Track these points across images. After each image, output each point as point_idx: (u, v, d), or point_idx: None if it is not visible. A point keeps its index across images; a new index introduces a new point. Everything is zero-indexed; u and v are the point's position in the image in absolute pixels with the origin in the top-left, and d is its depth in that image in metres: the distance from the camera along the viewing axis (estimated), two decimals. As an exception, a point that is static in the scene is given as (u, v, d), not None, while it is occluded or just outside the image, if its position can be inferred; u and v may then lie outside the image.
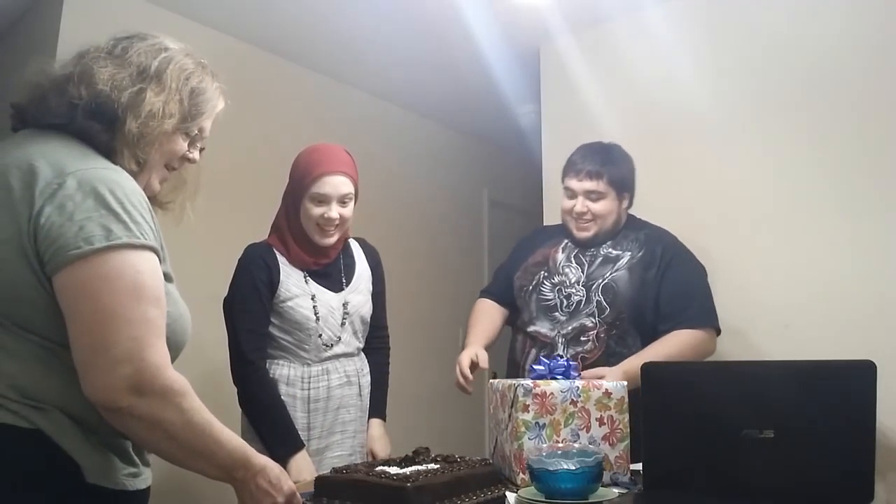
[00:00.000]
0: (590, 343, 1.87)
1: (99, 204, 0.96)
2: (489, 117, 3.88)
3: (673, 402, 1.33)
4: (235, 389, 1.80)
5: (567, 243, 2.02)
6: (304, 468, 1.66)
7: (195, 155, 1.19)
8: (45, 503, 0.95)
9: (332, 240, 1.81)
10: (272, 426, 1.72)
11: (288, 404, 1.76)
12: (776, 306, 2.30)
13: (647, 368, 1.37)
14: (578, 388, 1.44)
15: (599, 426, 1.44)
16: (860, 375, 1.18)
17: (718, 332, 1.92)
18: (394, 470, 1.20)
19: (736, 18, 2.54)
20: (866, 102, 2.23)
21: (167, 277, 1.07)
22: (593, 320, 1.88)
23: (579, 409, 1.43)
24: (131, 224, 0.97)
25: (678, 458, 1.29)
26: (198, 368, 2.73)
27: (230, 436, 1.04)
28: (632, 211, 2.07)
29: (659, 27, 2.68)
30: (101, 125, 1.05)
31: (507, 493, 1.27)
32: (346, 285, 1.87)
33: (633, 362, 1.74)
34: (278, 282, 1.78)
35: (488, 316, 2.09)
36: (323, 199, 1.77)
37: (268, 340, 1.79)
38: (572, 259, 1.98)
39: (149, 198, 1.09)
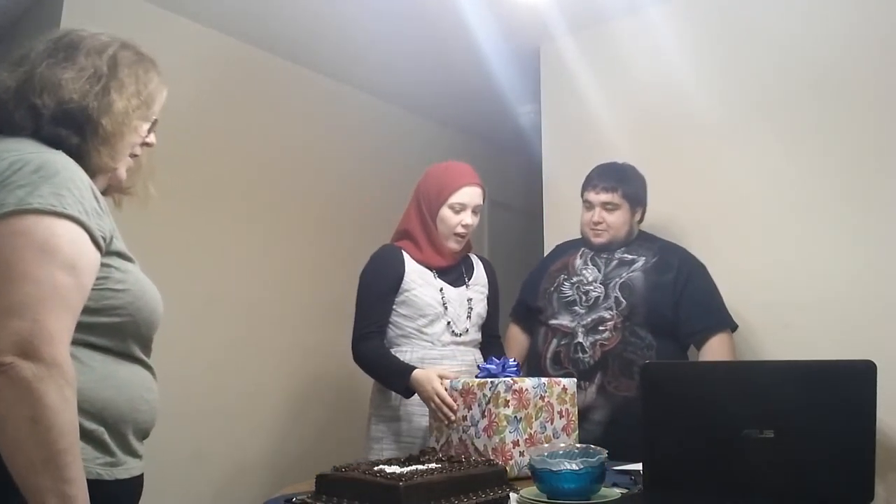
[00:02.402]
0: (607, 332, 2.05)
1: (24, 176, 0.96)
2: (489, 117, 3.88)
3: (673, 402, 1.33)
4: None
5: (583, 251, 2.24)
6: (423, 379, 1.77)
7: (153, 138, 1.23)
8: (12, 498, 0.90)
9: (461, 246, 2.07)
10: (385, 370, 1.92)
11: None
12: (776, 306, 2.30)
13: (647, 368, 1.37)
14: (545, 383, 1.63)
15: (560, 418, 1.64)
16: (860, 375, 1.18)
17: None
18: (392, 469, 1.20)
19: (736, 18, 2.54)
20: (867, 102, 2.23)
21: (125, 257, 1.09)
22: (611, 313, 2.07)
23: (546, 403, 1.62)
24: (53, 196, 0.96)
25: (678, 457, 1.29)
26: (186, 367, 2.74)
27: (82, 467, 0.93)
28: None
29: (659, 27, 2.68)
30: (70, 130, 1.07)
31: (511, 494, 1.27)
32: (468, 281, 2.10)
33: None
34: (403, 275, 1.99)
35: (517, 344, 2.35)
36: (461, 208, 2.01)
37: (385, 320, 1.99)
38: (588, 262, 2.20)
39: (117, 188, 1.15)
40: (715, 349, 2.05)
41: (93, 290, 1.00)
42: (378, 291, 1.98)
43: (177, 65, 2.78)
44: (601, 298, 2.10)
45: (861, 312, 2.15)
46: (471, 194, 2.02)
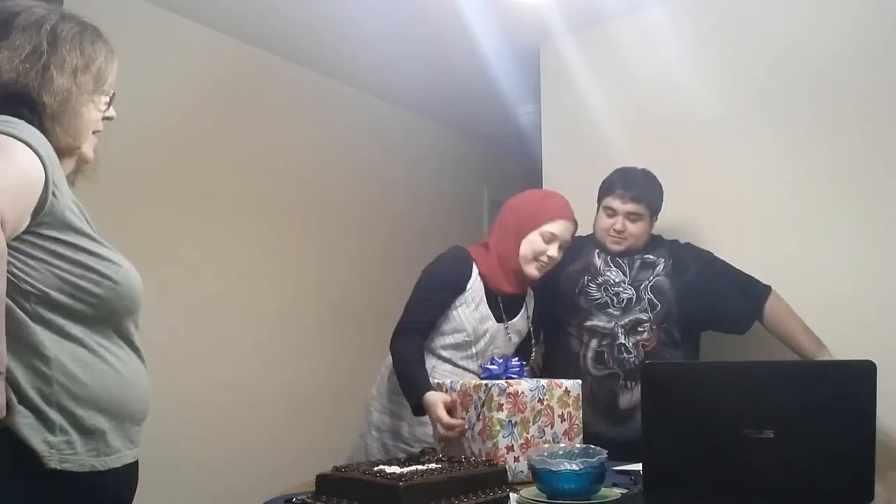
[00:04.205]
0: (646, 333, 2.09)
1: None
2: (489, 117, 3.88)
3: (673, 402, 1.33)
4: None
5: (599, 251, 2.21)
6: (433, 401, 1.69)
7: (112, 112, 1.20)
8: (7, 495, 0.92)
9: (539, 275, 1.98)
10: (406, 378, 1.84)
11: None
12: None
13: (647, 368, 1.37)
14: (544, 386, 1.56)
15: (561, 422, 1.57)
16: (860, 375, 1.19)
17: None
18: (392, 469, 1.20)
19: (736, 18, 2.54)
20: (867, 103, 2.23)
21: (97, 241, 1.07)
22: (647, 315, 2.09)
23: (545, 407, 1.55)
24: (14, 128, 0.96)
25: (678, 457, 1.29)
26: (182, 368, 2.74)
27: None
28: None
29: (659, 27, 2.68)
30: (25, 110, 1.04)
31: (511, 494, 1.27)
32: (516, 314, 2.02)
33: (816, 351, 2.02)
34: (464, 289, 1.93)
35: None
36: (551, 238, 1.94)
37: (431, 322, 1.92)
38: (610, 263, 2.18)
39: (83, 168, 1.15)
40: (776, 307, 2.10)
41: (76, 277, 1.02)
42: (435, 293, 1.93)
43: (177, 65, 2.80)
44: (633, 300, 2.11)
45: (861, 312, 2.15)
46: (564, 228, 1.96)
